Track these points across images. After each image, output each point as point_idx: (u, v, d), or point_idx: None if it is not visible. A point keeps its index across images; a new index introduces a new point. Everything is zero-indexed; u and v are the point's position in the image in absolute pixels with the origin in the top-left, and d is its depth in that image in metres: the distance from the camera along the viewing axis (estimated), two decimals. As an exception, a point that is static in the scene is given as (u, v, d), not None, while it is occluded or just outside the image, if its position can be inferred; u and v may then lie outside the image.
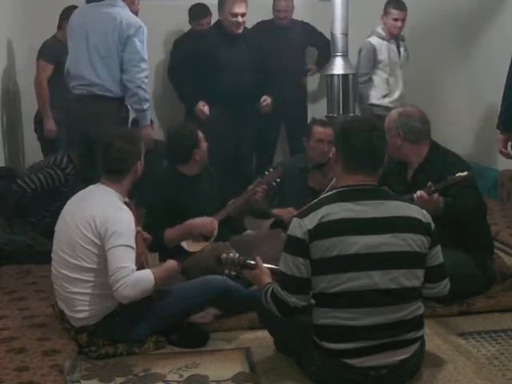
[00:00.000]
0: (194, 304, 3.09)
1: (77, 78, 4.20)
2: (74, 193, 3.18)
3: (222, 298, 3.12)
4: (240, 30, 5.00)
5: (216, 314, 3.29)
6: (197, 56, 5.03)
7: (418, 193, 3.14)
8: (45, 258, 3.17)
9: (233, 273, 2.96)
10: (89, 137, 4.13)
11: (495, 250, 3.76)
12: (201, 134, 3.89)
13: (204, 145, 3.90)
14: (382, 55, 5.43)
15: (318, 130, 4.25)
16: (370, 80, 5.44)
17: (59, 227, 3.02)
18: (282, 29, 5.66)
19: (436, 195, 3.15)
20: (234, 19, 4.93)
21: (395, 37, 5.48)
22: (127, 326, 2.94)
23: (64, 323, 3.04)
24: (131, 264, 2.81)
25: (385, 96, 5.44)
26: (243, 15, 4.94)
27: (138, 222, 3.12)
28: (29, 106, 5.35)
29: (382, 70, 5.45)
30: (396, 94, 5.45)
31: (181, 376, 2.75)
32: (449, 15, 6.13)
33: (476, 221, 3.44)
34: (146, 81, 4.14)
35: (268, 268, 2.82)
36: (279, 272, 2.59)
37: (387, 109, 4.84)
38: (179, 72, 5.46)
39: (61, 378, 2.65)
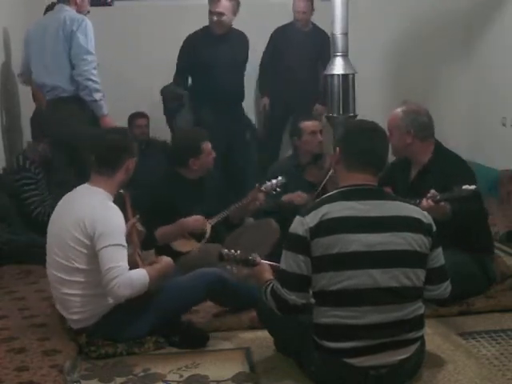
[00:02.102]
0: (191, 297, 3.08)
1: (42, 86, 4.42)
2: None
3: (216, 288, 3.10)
4: (220, 30, 4.98)
5: (215, 313, 3.29)
6: (187, 57, 5.05)
7: (425, 201, 3.13)
8: (45, 257, 3.17)
9: (234, 269, 2.96)
10: (61, 139, 4.33)
11: (495, 250, 3.76)
12: (206, 146, 3.84)
13: (207, 156, 3.86)
14: None
15: (308, 124, 4.45)
16: None
17: (50, 230, 3.00)
18: (300, 32, 5.70)
19: (443, 202, 3.14)
20: (211, 17, 4.93)
21: None
22: (128, 324, 2.94)
23: (65, 323, 3.04)
24: (123, 263, 2.78)
25: None
26: (219, 14, 4.90)
27: (134, 213, 3.12)
28: (28, 105, 5.34)
29: None
30: None
31: (181, 376, 2.75)
32: (449, 15, 6.14)
33: (479, 223, 3.44)
34: (94, 72, 4.28)
35: (269, 265, 2.82)
36: (279, 269, 2.59)
37: None
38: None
39: (61, 378, 2.65)
